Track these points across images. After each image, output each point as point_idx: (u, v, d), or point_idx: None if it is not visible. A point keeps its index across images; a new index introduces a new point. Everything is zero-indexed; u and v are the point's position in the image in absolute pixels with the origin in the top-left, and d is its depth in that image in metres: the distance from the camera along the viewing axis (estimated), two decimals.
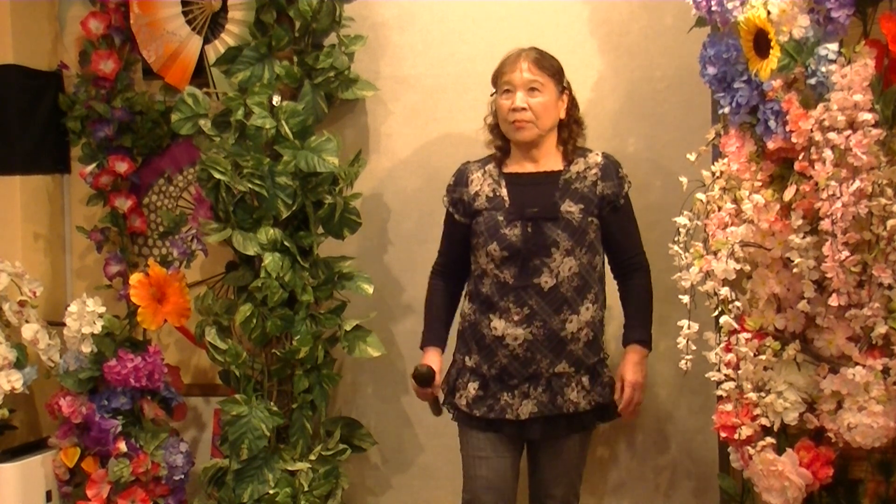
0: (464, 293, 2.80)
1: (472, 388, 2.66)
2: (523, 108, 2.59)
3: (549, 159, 2.69)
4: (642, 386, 2.67)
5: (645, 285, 2.74)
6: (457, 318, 2.84)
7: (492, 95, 2.72)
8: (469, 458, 2.71)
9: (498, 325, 2.61)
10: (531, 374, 2.60)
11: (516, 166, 2.70)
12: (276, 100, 3.10)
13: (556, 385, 2.60)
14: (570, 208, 2.61)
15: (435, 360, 2.78)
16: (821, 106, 2.09)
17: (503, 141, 2.72)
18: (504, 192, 2.66)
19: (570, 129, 2.69)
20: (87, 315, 3.23)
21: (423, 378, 2.73)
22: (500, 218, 2.62)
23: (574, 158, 2.68)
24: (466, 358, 2.70)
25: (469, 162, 2.79)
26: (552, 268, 2.59)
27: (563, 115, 2.67)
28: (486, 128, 2.75)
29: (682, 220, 2.42)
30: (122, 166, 3.40)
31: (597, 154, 2.70)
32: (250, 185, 3.04)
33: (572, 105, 2.71)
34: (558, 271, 2.59)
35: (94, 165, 3.41)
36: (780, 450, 2.25)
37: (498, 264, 2.62)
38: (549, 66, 2.64)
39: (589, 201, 2.64)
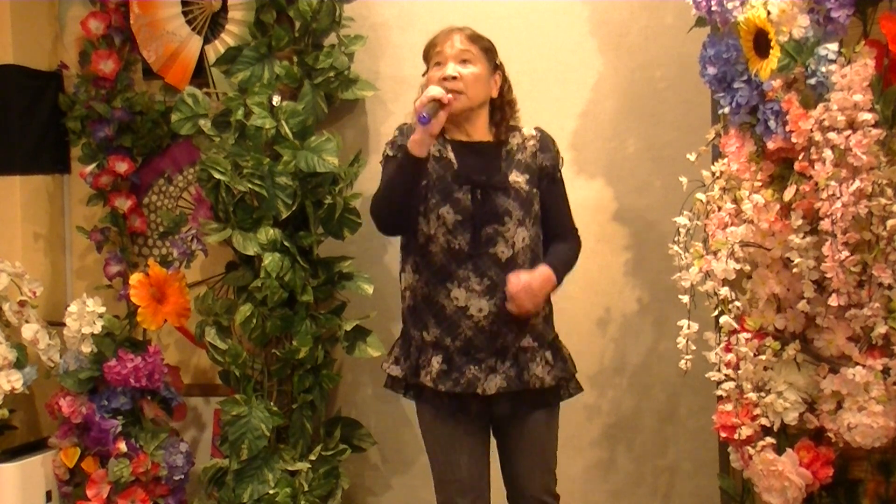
0: (401, 269, 2.65)
1: (436, 362, 2.54)
2: (454, 77, 2.53)
3: (482, 135, 2.62)
4: (532, 290, 2.48)
5: (573, 247, 2.68)
6: (398, 298, 2.66)
7: (423, 75, 2.64)
8: (440, 464, 2.64)
9: (459, 294, 2.52)
10: (498, 347, 2.52)
11: (454, 135, 2.62)
12: (276, 100, 3.10)
13: (521, 360, 2.54)
14: (518, 178, 2.57)
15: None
16: (821, 106, 2.09)
17: None
18: (451, 154, 2.59)
19: (503, 110, 2.64)
20: (87, 315, 3.23)
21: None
22: (450, 180, 2.56)
23: (509, 134, 2.63)
24: (424, 333, 2.56)
25: (409, 124, 2.63)
26: (507, 237, 2.52)
27: (494, 93, 2.62)
28: (414, 111, 2.55)
29: (682, 220, 2.42)
30: (122, 166, 3.40)
31: (530, 128, 2.66)
32: (250, 185, 3.04)
33: (506, 87, 2.66)
34: (513, 241, 2.53)
35: (94, 165, 3.41)
36: (780, 450, 2.25)
37: (450, 229, 2.53)
38: (481, 43, 2.60)
39: (532, 172, 2.60)
